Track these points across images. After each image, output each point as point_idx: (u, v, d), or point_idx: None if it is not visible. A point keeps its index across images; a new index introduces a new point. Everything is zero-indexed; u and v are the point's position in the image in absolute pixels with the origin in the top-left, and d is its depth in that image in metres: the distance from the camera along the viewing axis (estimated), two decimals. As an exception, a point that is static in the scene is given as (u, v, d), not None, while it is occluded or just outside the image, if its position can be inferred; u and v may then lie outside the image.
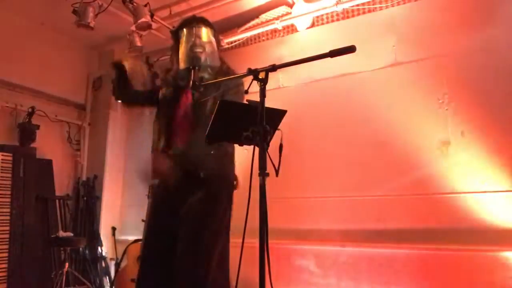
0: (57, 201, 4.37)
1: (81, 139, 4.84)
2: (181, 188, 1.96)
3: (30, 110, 4.11)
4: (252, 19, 4.00)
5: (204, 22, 2.16)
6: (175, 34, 2.19)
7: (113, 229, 4.60)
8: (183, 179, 1.96)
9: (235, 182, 2.06)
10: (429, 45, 3.18)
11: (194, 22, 2.15)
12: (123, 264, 3.72)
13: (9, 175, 3.58)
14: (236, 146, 1.96)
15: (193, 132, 1.93)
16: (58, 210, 4.35)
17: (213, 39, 2.12)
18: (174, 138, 2.03)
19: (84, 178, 4.72)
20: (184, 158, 1.97)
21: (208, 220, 1.89)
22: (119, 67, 2.20)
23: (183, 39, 2.11)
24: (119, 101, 2.42)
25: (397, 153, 3.15)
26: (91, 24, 3.29)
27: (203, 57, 2.03)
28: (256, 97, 1.51)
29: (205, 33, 2.10)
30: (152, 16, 3.52)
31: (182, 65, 2.06)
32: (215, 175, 1.95)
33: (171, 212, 1.95)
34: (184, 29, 2.13)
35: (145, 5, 3.44)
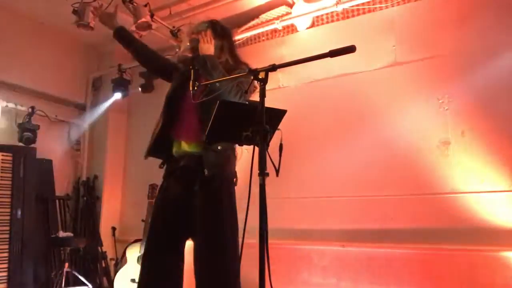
0: (57, 201, 4.37)
1: (81, 139, 4.85)
2: (185, 187, 1.97)
3: (30, 110, 4.11)
4: (252, 19, 4.00)
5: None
6: None
7: (113, 229, 4.60)
8: (188, 178, 1.97)
9: (234, 179, 2.05)
10: (429, 45, 3.18)
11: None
12: (123, 264, 3.72)
13: (9, 175, 3.58)
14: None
15: (200, 131, 1.92)
16: (58, 210, 4.35)
17: (203, 31, 2.11)
18: (179, 135, 2.05)
19: (84, 178, 4.72)
20: (191, 157, 1.99)
21: (218, 226, 1.90)
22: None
23: None
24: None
25: (397, 153, 3.15)
26: (91, 24, 3.29)
27: (197, 52, 2.05)
28: (256, 97, 1.51)
29: (195, 29, 2.14)
30: (152, 16, 3.52)
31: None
32: (218, 172, 1.95)
33: (176, 211, 1.98)
34: None
35: (145, 5, 3.44)
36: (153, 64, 2.37)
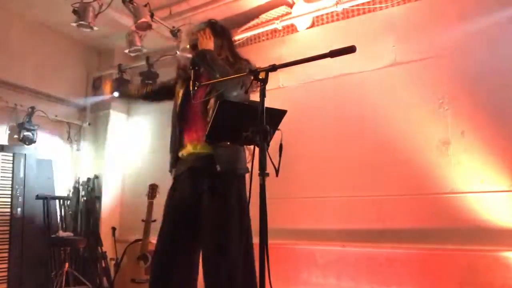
0: (57, 201, 4.37)
1: (81, 139, 4.84)
2: (193, 187, 1.98)
3: (30, 110, 4.11)
4: (252, 19, 4.00)
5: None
6: None
7: (113, 229, 4.60)
8: (196, 179, 1.98)
9: (247, 175, 2.01)
10: (429, 45, 3.17)
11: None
12: (123, 264, 3.72)
13: (9, 175, 3.58)
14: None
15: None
16: (58, 210, 4.35)
17: (202, 30, 2.12)
18: (187, 137, 2.06)
19: (84, 178, 4.72)
20: (198, 157, 1.99)
21: (225, 224, 1.89)
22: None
23: None
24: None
25: (397, 153, 3.15)
26: (91, 24, 3.29)
27: (194, 53, 2.07)
28: (256, 97, 1.51)
29: (194, 29, 2.16)
30: (152, 16, 3.52)
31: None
32: (230, 168, 1.94)
33: (186, 211, 1.98)
34: None
35: (145, 5, 3.44)
36: (160, 96, 2.43)
